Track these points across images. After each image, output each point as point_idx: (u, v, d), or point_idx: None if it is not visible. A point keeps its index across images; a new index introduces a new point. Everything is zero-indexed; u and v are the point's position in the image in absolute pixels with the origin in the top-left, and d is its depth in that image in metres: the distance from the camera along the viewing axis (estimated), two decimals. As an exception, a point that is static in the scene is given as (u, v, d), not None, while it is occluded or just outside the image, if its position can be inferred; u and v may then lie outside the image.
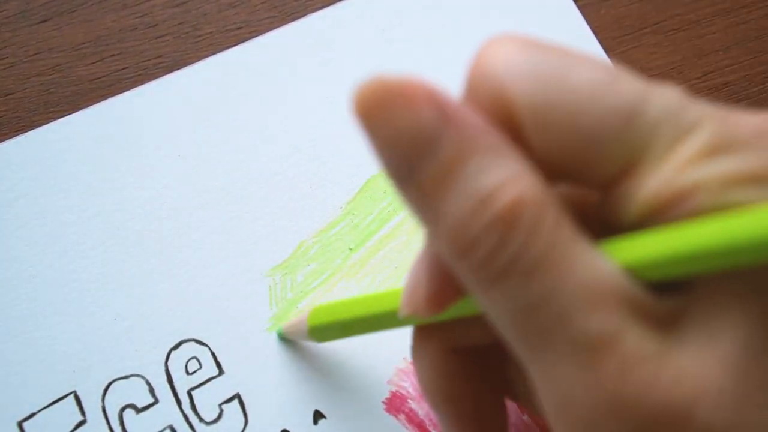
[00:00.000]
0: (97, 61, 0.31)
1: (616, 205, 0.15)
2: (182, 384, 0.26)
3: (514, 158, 0.14)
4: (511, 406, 0.26)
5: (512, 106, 0.14)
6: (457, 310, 0.18)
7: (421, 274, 0.17)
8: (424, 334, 0.20)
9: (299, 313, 0.26)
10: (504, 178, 0.14)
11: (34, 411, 0.26)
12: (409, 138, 0.14)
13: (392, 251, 0.28)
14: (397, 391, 0.26)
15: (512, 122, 0.15)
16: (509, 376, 0.21)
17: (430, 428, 0.26)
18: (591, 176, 0.15)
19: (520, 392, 0.21)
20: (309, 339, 0.25)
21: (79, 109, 0.30)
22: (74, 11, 0.31)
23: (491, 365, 0.21)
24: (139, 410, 0.26)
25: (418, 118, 0.14)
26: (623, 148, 0.14)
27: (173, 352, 0.27)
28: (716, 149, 0.13)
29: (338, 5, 0.31)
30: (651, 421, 0.13)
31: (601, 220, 0.15)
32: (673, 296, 0.14)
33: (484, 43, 0.15)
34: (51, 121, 0.29)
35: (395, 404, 0.26)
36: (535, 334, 0.14)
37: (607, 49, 0.31)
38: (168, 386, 0.26)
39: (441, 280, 0.17)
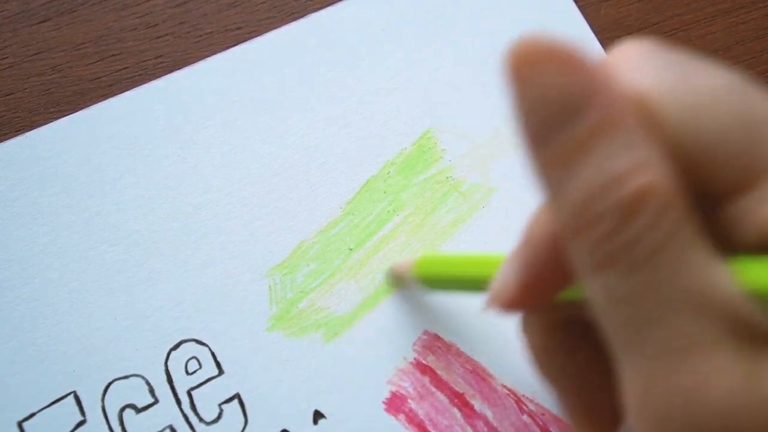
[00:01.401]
0: (97, 61, 0.31)
1: (728, 220, 0.15)
2: (182, 384, 0.26)
3: (651, 145, 0.14)
4: (510, 406, 0.26)
5: (648, 106, 0.14)
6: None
7: (512, 273, 0.17)
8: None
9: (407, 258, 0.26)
10: (639, 161, 0.13)
11: (34, 411, 0.26)
12: (555, 101, 0.14)
13: (392, 251, 0.28)
14: (397, 391, 0.26)
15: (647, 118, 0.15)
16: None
17: (430, 428, 0.26)
18: (709, 186, 0.14)
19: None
20: (415, 286, 0.25)
21: (79, 109, 0.30)
22: (74, 11, 0.31)
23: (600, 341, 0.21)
24: (139, 410, 0.26)
25: (568, 84, 0.14)
26: (745, 160, 0.14)
27: (173, 352, 0.27)
28: None
29: (338, 5, 0.31)
30: None
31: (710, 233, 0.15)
32: None
33: (617, 48, 0.15)
34: (51, 121, 0.29)
35: (395, 404, 0.26)
36: (631, 324, 0.14)
37: (606, 49, 0.31)
38: (168, 386, 0.26)
39: (534, 276, 0.17)
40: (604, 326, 0.15)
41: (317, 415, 0.26)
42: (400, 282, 0.27)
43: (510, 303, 0.18)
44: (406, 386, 0.26)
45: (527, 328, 0.20)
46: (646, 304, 0.14)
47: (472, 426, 0.26)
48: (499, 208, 0.29)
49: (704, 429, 0.13)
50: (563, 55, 0.14)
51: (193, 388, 0.26)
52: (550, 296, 0.17)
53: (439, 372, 0.26)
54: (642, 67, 0.15)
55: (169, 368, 0.26)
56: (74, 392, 0.26)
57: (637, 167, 0.13)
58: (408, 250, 0.28)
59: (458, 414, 0.26)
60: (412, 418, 0.26)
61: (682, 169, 0.14)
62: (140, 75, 0.30)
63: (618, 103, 0.14)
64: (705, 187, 0.14)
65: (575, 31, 0.31)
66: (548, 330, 0.20)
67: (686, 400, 0.13)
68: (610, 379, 0.21)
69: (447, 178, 0.29)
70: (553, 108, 0.14)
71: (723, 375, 0.13)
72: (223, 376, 0.26)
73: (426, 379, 0.26)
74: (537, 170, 0.15)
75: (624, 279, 0.14)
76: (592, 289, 0.15)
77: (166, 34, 0.31)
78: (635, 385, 0.14)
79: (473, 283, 0.22)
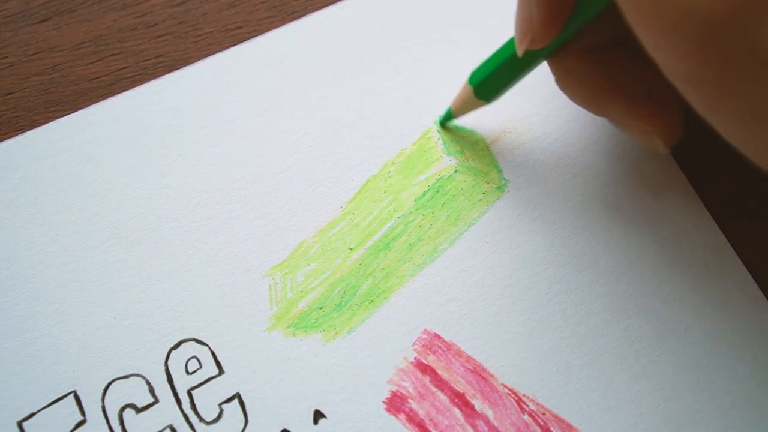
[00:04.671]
0: (97, 61, 0.31)
1: None
2: (182, 384, 0.26)
3: None
4: (511, 405, 0.26)
5: None
6: (572, 26, 0.20)
7: (530, 6, 0.18)
8: (557, 56, 0.23)
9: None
10: None
11: (34, 411, 0.26)
12: None
13: (392, 251, 0.28)
14: (397, 391, 0.26)
15: None
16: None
17: (431, 428, 0.26)
18: None
19: None
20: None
21: (79, 108, 0.30)
22: (74, 11, 0.31)
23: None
24: (139, 410, 0.26)
25: None
26: None
27: (173, 352, 0.27)
28: None
29: (338, 5, 0.31)
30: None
31: None
32: None
33: None
34: (51, 121, 0.29)
35: (395, 404, 0.26)
36: None
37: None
38: (168, 386, 0.26)
39: (549, 4, 0.18)
40: None
41: (318, 415, 0.26)
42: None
43: (541, 32, 0.19)
44: (407, 386, 0.26)
45: (563, 75, 0.22)
46: None
47: (473, 426, 0.26)
48: (499, 208, 0.29)
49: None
50: None
51: (193, 388, 0.26)
52: (567, 15, 0.19)
53: (439, 371, 0.26)
54: None
55: (169, 368, 0.26)
56: (74, 392, 0.26)
57: None
58: (407, 251, 0.28)
59: (459, 414, 0.26)
60: (412, 418, 0.26)
61: None
62: (140, 75, 0.30)
63: None
64: None
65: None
66: (581, 62, 0.22)
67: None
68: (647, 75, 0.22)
69: (447, 177, 0.29)
70: None
71: None
72: (223, 375, 0.26)
73: (426, 379, 0.26)
74: None
75: None
76: None
77: (166, 34, 0.31)
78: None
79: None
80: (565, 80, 0.23)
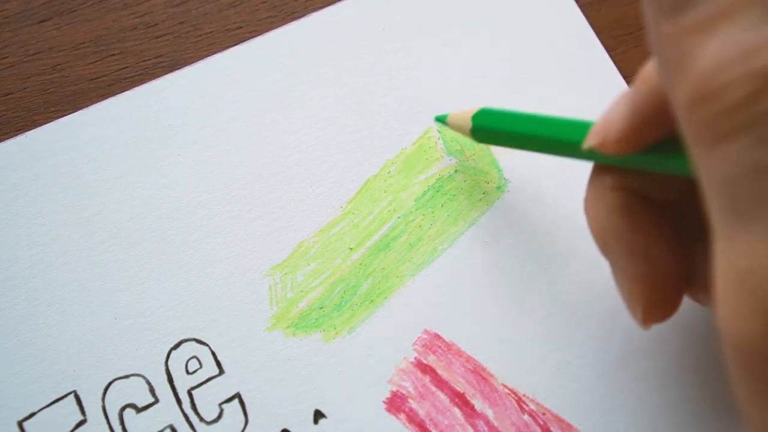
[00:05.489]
0: (97, 61, 0.31)
1: None
2: (182, 383, 0.26)
3: None
4: (511, 405, 0.26)
5: None
6: (641, 160, 0.19)
7: (621, 111, 0.17)
8: (603, 168, 0.21)
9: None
10: None
11: (34, 411, 0.26)
12: None
13: (392, 251, 0.28)
14: (397, 391, 0.26)
15: None
16: (686, 249, 0.21)
17: (431, 428, 0.26)
18: None
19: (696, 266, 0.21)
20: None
21: (79, 108, 0.30)
22: (74, 11, 0.31)
23: (667, 221, 0.21)
24: (139, 410, 0.26)
25: None
26: None
27: (173, 352, 0.27)
28: None
29: (338, 5, 0.31)
30: None
31: None
32: None
33: None
34: (51, 121, 0.29)
35: (395, 404, 0.26)
36: (748, 201, 0.13)
37: (608, 49, 0.31)
38: (168, 386, 0.26)
39: (642, 121, 0.17)
40: (711, 203, 0.14)
41: (318, 415, 0.26)
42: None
43: (616, 140, 0.18)
44: (407, 386, 0.26)
45: (595, 192, 0.21)
46: None
47: (473, 425, 0.26)
48: (499, 208, 0.29)
49: None
50: None
51: (193, 388, 0.26)
52: (646, 144, 0.18)
53: (439, 371, 0.26)
54: None
55: (170, 368, 0.26)
56: (74, 392, 0.26)
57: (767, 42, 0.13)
58: (407, 251, 0.28)
59: (459, 413, 0.26)
60: (412, 418, 0.26)
61: None
62: (140, 75, 0.30)
63: None
64: None
65: (576, 31, 0.31)
66: (615, 193, 0.21)
67: None
68: (676, 253, 0.21)
69: (447, 177, 0.29)
70: None
71: None
72: (223, 375, 0.26)
73: (426, 379, 0.26)
74: (659, 44, 0.14)
75: (749, 150, 0.13)
76: (704, 164, 0.14)
77: (166, 34, 0.31)
78: (736, 262, 0.14)
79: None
80: (592, 197, 0.22)
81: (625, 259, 0.21)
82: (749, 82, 0.13)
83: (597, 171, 0.22)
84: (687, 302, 0.23)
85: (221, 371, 0.26)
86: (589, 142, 0.19)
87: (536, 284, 0.27)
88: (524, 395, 0.26)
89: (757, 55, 0.13)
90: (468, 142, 0.29)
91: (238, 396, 0.26)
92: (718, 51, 0.13)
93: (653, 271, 0.21)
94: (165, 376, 0.26)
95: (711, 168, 0.14)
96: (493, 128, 0.25)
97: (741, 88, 0.13)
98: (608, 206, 0.21)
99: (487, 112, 0.26)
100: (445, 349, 0.27)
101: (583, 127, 0.21)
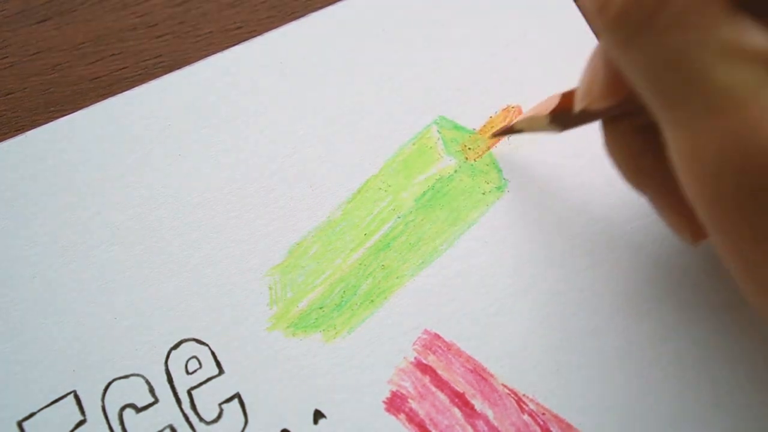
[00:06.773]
0: (97, 61, 0.31)
1: None
2: (182, 383, 0.26)
3: None
4: (511, 405, 0.26)
5: None
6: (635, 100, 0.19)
7: (596, 66, 0.18)
8: (613, 117, 0.22)
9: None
10: None
11: (34, 411, 0.26)
12: None
13: (392, 251, 0.28)
14: (397, 391, 0.26)
15: None
16: None
17: (431, 428, 0.26)
18: None
19: None
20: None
21: (79, 108, 0.30)
22: (74, 11, 0.31)
23: None
24: (139, 410, 0.26)
25: None
26: None
27: (173, 352, 0.27)
28: None
29: (338, 5, 0.31)
30: None
31: None
32: None
33: None
34: (51, 121, 0.29)
35: (395, 404, 0.26)
36: (671, 88, 0.14)
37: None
38: (168, 386, 0.26)
39: (616, 68, 0.17)
40: (645, 98, 0.16)
41: (317, 415, 0.26)
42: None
43: (601, 96, 0.19)
44: (407, 386, 0.26)
45: (612, 140, 0.22)
46: (682, 63, 0.14)
47: (473, 425, 0.26)
48: (499, 208, 0.29)
49: (760, 167, 0.14)
50: None
51: (193, 388, 0.26)
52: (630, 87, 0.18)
53: (439, 371, 0.26)
54: None
55: (169, 368, 0.26)
56: (74, 392, 0.26)
57: None
58: (407, 251, 0.28)
59: (459, 413, 0.26)
60: (412, 418, 0.26)
61: None
62: (140, 75, 0.30)
63: None
64: None
65: (576, 31, 0.31)
66: (632, 134, 0.21)
67: (738, 144, 0.14)
68: None
69: (447, 177, 0.29)
70: None
71: None
72: (223, 375, 0.26)
73: (426, 379, 0.26)
74: None
75: (655, 46, 0.14)
76: (626, 64, 0.15)
77: (166, 34, 0.31)
78: (682, 145, 0.15)
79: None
80: (612, 146, 0.23)
81: (659, 192, 0.22)
82: None
83: (608, 121, 0.22)
84: (687, 302, 0.23)
85: (221, 371, 0.26)
86: (578, 106, 0.20)
87: (536, 284, 0.27)
88: (524, 395, 0.26)
89: None
90: (468, 142, 0.29)
91: (237, 396, 0.26)
92: None
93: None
94: (165, 376, 0.26)
95: (630, 65, 0.15)
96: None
97: None
98: (628, 150, 0.22)
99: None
100: (445, 349, 0.27)
101: None
